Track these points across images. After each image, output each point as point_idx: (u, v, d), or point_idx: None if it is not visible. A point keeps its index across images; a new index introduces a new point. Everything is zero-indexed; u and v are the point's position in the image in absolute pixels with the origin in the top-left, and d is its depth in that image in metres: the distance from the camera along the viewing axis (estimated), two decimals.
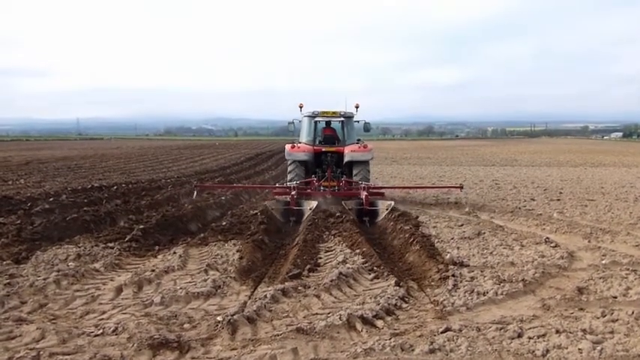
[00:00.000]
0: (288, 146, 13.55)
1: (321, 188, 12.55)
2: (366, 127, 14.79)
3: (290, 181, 13.11)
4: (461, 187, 13.59)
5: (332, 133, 14.16)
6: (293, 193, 11.46)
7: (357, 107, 14.23)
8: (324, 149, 13.57)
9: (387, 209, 11.09)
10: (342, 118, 13.84)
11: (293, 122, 14.67)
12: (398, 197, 15.14)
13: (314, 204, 11.03)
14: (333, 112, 13.79)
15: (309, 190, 12.43)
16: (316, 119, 13.91)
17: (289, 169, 13.60)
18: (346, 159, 13.14)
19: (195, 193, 12.80)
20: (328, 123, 14.29)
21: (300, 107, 14.05)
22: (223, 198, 13.83)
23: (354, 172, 13.15)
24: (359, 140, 13.97)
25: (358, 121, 14.45)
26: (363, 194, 11.48)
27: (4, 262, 6.77)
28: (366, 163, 13.22)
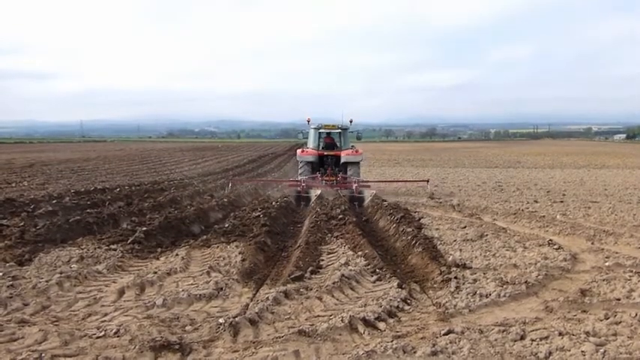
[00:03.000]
0: (299, 151, 17.77)
1: (323, 182, 16.17)
2: (358, 137, 19.21)
3: (300, 176, 16.75)
4: (427, 181, 17.41)
5: (332, 141, 17.82)
6: (303, 184, 15.36)
7: (350, 122, 18.31)
8: (325, 153, 17.32)
9: (370, 196, 14.41)
10: (340, 130, 17.69)
11: (302, 132, 19.66)
12: (401, 200, 15.16)
13: (318, 192, 14.46)
14: (333, 126, 17.59)
15: (314, 183, 15.96)
16: (320, 130, 17.67)
17: (300, 167, 17.38)
18: (342, 160, 16.89)
19: (230, 185, 16.47)
20: (329, 133, 17.93)
21: (308, 121, 17.90)
22: (226, 200, 13.85)
23: (348, 170, 16.88)
24: (352, 146, 17.60)
25: (352, 132, 18.41)
26: (354, 186, 15.36)
27: (7, 264, 6.77)
28: (357, 163, 17.06)
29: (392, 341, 4.38)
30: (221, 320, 4.84)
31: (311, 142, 17.71)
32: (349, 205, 13.23)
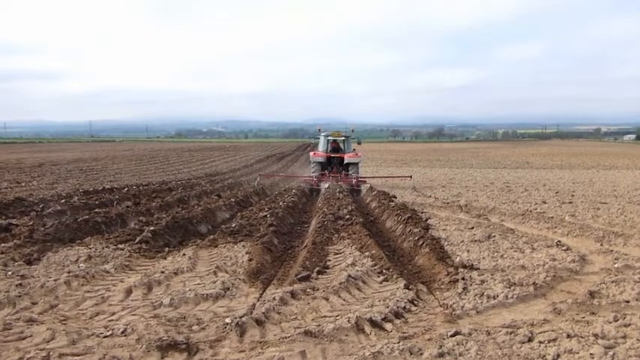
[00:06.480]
0: (311, 153, 22.25)
1: (330, 177, 20.04)
2: (359, 142, 23.20)
3: (312, 173, 20.93)
4: (410, 177, 21.39)
5: (337, 146, 22.12)
6: (314, 179, 19.91)
7: (352, 131, 23.38)
8: (332, 155, 21.43)
9: (366, 189, 18.42)
10: (344, 137, 22.12)
11: (314, 137, 24.09)
12: (409, 200, 15.12)
13: (327, 185, 18.43)
14: (338, 133, 22.10)
15: (323, 178, 20.07)
16: (328, 137, 21.87)
17: (312, 166, 21.48)
18: (345, 161, 21.07)
19: (259, 179, 20.21)
20: (335, 140, 22.03)
21: (319, 130, 22.72)
22: (233, 200, 13.88)
23: (350, 169, 20.91)
24: (354, 150, 22.06)
25: (354, 139, 22.71)
26: (354, 181, 19.51)
27: (16, 263, 6.83)
28: (357, 163, 21.15)
29: (398, 342, 4.36)
30: (228, 320, 4.84)
31: (321, 146, 22.00)
32: (350, 196, 16.07)
